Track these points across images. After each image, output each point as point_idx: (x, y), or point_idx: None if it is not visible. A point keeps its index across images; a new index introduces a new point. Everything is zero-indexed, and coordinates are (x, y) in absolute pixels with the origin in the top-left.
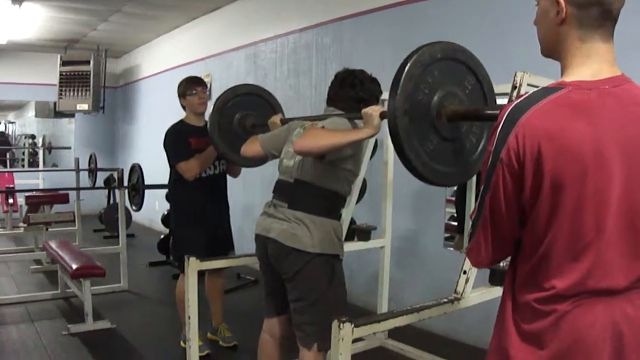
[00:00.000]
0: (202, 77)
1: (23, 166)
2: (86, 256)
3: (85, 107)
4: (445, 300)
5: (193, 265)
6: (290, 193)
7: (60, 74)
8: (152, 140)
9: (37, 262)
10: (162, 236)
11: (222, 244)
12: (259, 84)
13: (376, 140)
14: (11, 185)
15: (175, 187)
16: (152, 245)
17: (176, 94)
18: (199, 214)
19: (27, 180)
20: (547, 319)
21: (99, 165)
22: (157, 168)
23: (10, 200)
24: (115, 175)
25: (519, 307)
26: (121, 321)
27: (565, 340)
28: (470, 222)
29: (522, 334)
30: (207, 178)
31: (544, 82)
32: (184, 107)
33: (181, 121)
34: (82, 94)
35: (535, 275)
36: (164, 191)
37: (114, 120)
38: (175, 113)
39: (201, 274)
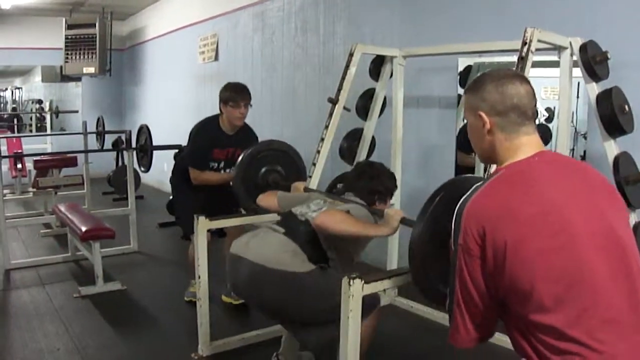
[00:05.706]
0: (209, 37)
1: (31, 131)
2: (95, 219)
3: (91, 70)
4: None
5: (202, 225)
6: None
7: (66, 38)
8: (159, 101)
9: (47, 226)
10: (171, 197)
11: (226, 204)
12: (266, 43)
13: (385, 98)
14: (19, 150)
15: (181, 170)
16: (161, 206)
17: (184, 54)
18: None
19: (35, 145)
20: None
21: (106, 128)
22: (165, 129)
23: (19, 165)
24: (123, 137)
25: None
26: (132, 282)
27: None
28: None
29: None
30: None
31: (554, 38)
32: (220, 111)
33: (217, 122)
34: (88, 57)
35: (551, 334)
36: (172, 152)
37: (121, 83)
38: (181, 74)
39: (222, 234)
